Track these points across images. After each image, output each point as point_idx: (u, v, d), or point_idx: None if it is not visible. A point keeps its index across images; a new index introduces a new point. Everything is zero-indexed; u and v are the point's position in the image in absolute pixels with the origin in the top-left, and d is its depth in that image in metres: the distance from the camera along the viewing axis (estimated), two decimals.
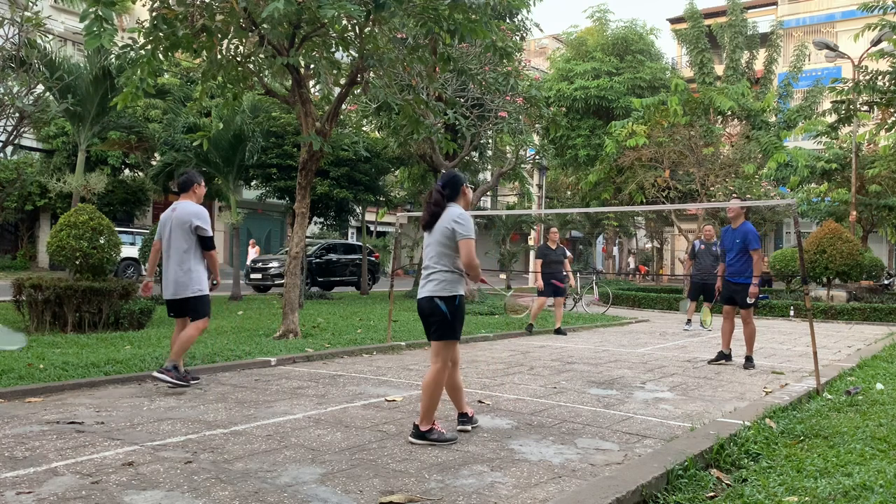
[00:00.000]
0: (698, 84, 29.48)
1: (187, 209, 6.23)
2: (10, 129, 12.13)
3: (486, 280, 4.92)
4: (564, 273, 11.69)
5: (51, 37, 12.98)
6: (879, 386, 6.59)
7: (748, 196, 21.21)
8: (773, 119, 26.92)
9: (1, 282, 16.09)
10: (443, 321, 4.53)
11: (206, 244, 6.24)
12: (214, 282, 6.42)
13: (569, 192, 37.20)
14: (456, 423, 4.91)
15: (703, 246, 13.00)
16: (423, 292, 4.62)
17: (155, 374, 6.04)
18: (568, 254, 11.99)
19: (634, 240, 47.07)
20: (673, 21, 39.79)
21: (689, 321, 13.35)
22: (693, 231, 23.51)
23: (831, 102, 18.80)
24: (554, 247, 11.78)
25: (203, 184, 6.53)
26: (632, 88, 28.22)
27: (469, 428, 4.85)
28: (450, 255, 4.55)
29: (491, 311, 14.65)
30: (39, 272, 21.14)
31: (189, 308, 6.25)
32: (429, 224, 4.63)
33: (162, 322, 10.46)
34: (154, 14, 8.13)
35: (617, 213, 33.30)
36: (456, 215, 4.51)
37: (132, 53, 8.20)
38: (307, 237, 15.72)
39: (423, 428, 4.51)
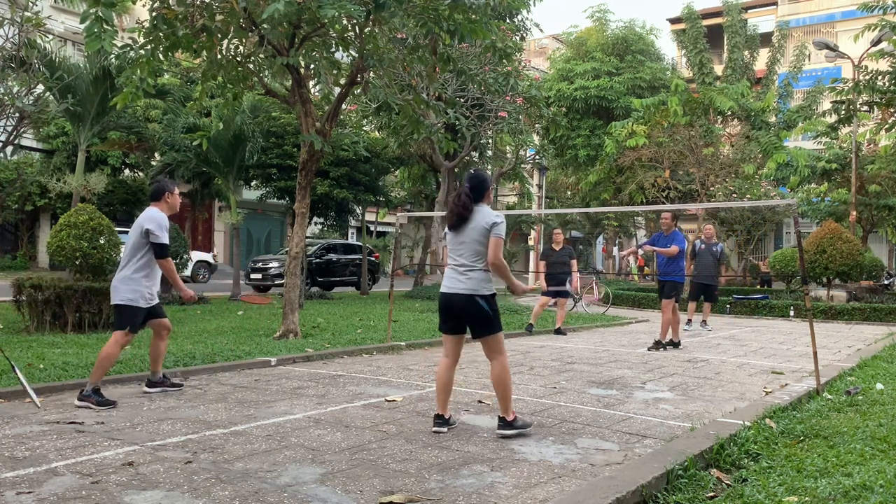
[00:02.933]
0: (698, 84, 29.49)
1: (146, 213, 5.79)
2: (10, 129, 12.15)
3: (524, 289, 5.26)
4: (569, 272, 11.65)
5: (51, 37, 12.99)
6: (879, 386, 6.59)
7: (748, 196, 21.23)
8: (773, 119, 26.92)
9: (1, 282, 16.07)
10: (486, 318, 4.73)
11: (157, 251, 5.67)
12: (175, 293, 5.82)
13: (569, 192, 37.21)
14: (432, 422, 4.86)
15: (703, 246, 12.98)
16: (458, 288, 4.72)
17: (76, 402, 5.39)
18: (573, 255, 11.97)
19: (634, 240, 47.08)
20: (673, 21, 39.72)
21: (689, 321, 13.33)
22: (693, 231, 23.50)
23: (831, 102, 18.78)
24: (557, 248, 11.77)
25: (176, 192, 6.04)
26: (632, 88, 28.23)
27: (445, 430, 4.80)
28: (486, 254, 4.71)
29: None
30: (39, 272, 21.13)
31: (115, 316, 5.78)
32: (455, 225, 4.77)
33: None
34: (154, 14, 8.13)
35: (617, 213, 33.31)
36: (495, 215, 4.72)
37: (132, 53, 8.19)
38: (307, 237, 15.72)
39: (510, 418, 4.72)
